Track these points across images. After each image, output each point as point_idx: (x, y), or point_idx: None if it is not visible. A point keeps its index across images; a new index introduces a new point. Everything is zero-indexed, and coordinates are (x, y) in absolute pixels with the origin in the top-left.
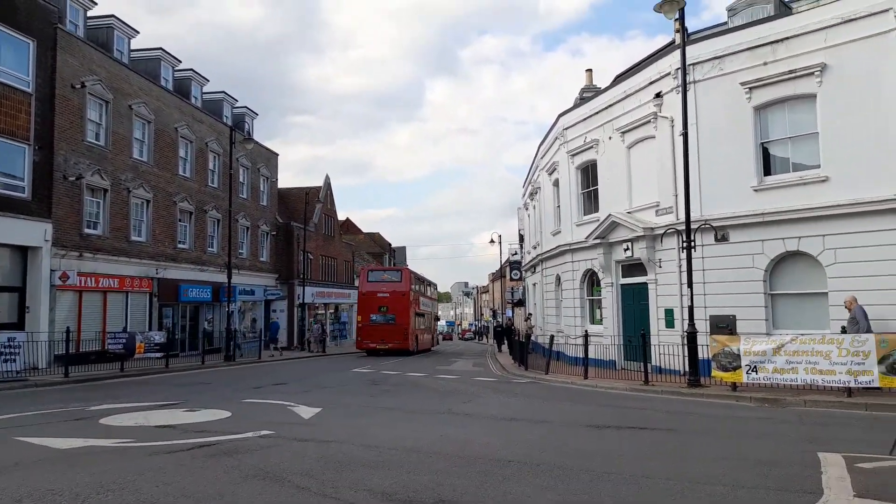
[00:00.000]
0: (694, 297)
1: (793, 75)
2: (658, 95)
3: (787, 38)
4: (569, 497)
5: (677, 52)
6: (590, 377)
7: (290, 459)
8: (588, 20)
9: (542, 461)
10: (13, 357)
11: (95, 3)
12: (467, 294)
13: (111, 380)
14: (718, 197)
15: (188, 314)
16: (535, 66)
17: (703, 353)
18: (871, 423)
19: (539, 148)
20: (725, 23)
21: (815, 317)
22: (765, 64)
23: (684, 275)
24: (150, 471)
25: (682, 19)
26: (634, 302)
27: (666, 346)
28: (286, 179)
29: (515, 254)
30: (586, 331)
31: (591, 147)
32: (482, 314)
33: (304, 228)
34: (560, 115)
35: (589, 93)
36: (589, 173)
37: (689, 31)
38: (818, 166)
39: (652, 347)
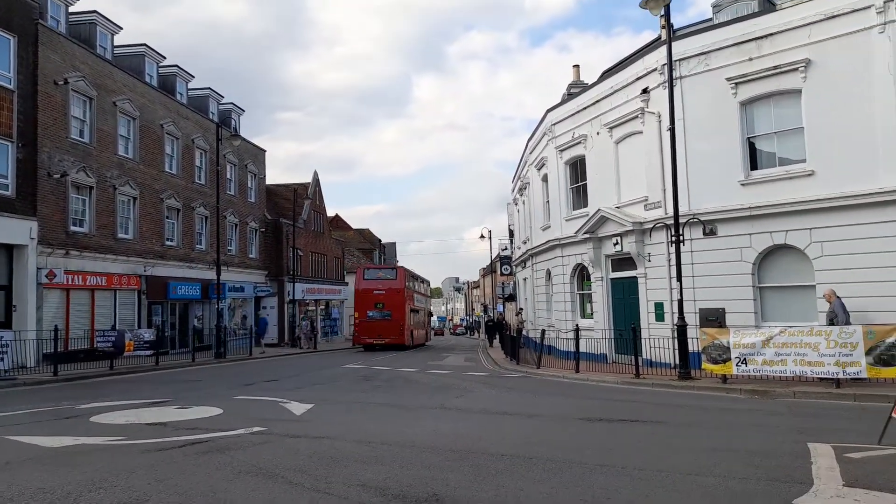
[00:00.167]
0: (683, 290)
1: (778, 71)
2: (645, 91)
3: (771, 34)
4: (561, 490)
5: (663, 48)
6: (581, 371)
7: (283, 455)
8: (574, 16)
9: (534, 455)
10: (1, 356)
11: None
12: (458, 289)
13: (101, 378)
14: (706, 191)
15: (177, 311)
16: (522, 61)
17: (693, 346)
18: (859, 413)
19: (527, 143)
20: (711, 19)
21: (803, 309)
22: (750, 59)
23: (673, 269)
24: (142, 468)
25: (667, 15)
26: (624, 296)
27: (656, 339)
28: (274, 176)
29: (505, 249)
30: (577, 325)
31: (580, 142)
32: (473, 309)
33: (294, 225)
34: (548, 111)
35: (576, 88)
36: (577, 168)
37: (675, 27)
38: (804, 161)
39: (642, 341)
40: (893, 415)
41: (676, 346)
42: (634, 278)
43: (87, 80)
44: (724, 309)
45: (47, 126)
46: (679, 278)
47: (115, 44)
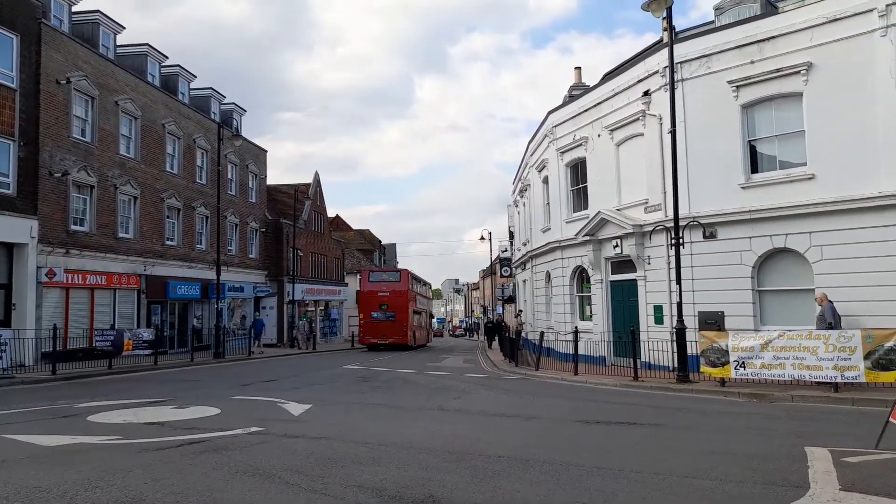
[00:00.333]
0: (682, 293)
1: (779, 74)
2: (646, 93)
3: (773, 37)
4: (558, 492)
5: (665, 51)
6: (580, 373)
7: (280, 456)
8: (576, 18)
9: (531, 457)
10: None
11: None
12: (458, 291)
13: (99, 377)
14: (706, 194)
15: (177, 311)
16: (524, 63)
17: (691, 349)
18: (857, 417)
19: (528, 145)
20: (712, 21)
21: (803, 313)
22: (752, 62)
23: (673, 271)
24: (139, 468)
25: (669, 18)
26: (624, 298)
27: (655, 342)
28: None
29: (506, 251)
30: (576, 327)
31: (581, 144)
32: (473, 311)
33: (294, 225)
34: (549, 113)
35: (578, 90)
36: (578, 171)
37: (677, 29)
38: (804, 164)
39: (641, 344)
40: (891, 419)
41: (675, 349)
42: (634, 281)
43: (89, 79)
44: (723, 312)
45: (49, 125)
46: (678, 281)
47: (118, 43)
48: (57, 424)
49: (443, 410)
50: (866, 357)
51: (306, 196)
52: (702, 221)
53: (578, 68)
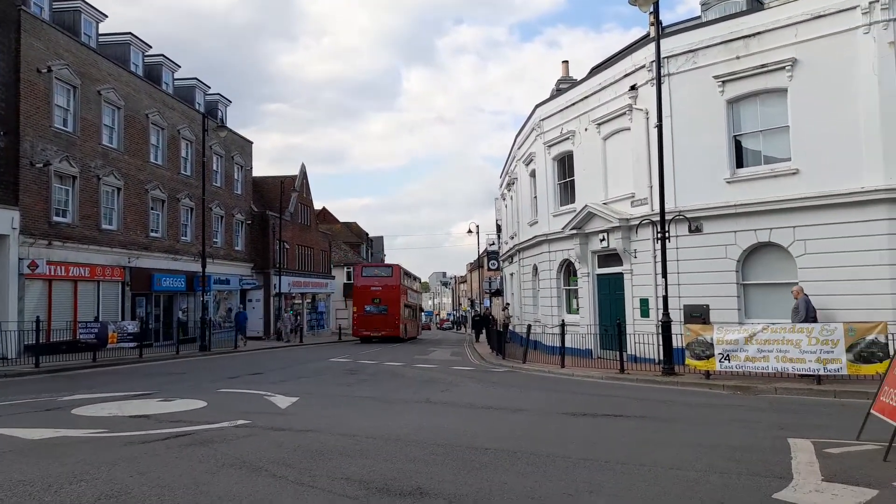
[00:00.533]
0: (668, 286)
1: (764, 69)
2: (633, 88)
3: (759, 33)
4: (545, 483)
5: (652, 45)
6: (566, 366)
7: (267, 449)
8: (564, 12)
9: (518, 449)
10: None
11: None
12: (445, 284)
13: (83, 370)
14: (692, 188)
15: (162, 304)
16: (512, 56)
17: (677, 342)
18: (839, 409)
19: (516, 139)
20: (699, 17)
21: (786, 306)
22: (737, 58)
23: (659, 265)
24: (124, 461)
25: (656, 12)
26: (610, 292)
27: (641, 335)
28: (260, 168)
29: (493, 244)
30: (563, 320)
31: (568, 138)
32: (460, 304)
33: (280, 217)
34: (537, 107)
35: (565, 84)
36: (565, 164)
37: (664, 24)
38: (789, 159)
39: (627, 336)
40: (872, 411)
41: (661, 342)
42: (620, 274)
43: (70, 68)
44: (708, 305)
45: (30, 114)
46: (664, 275)
47: (100, 32)
48: (41, 418)
49: (430, 403)
50: (848, 350)
51: (293, 188)
52: (688, 215)
53: (566, 62)
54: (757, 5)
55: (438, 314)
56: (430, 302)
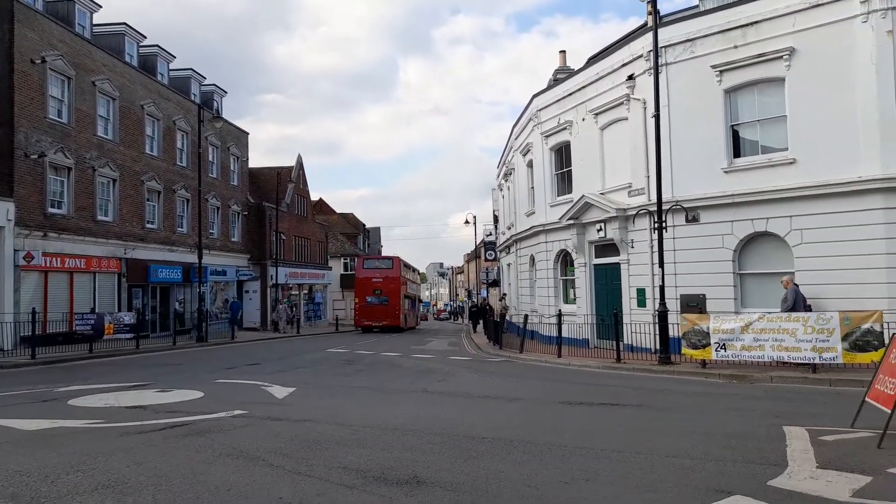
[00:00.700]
0: (665, 276)
1: (762, 59)
2: (630, 77)
3: (756, 22)
4: (542, 471)
5: (649, 35)
6: (563, 356)
7: (264, 439)
8: (561, 1)
9: (515, 438)
10: None
11: None
12: (442, 275)
13: (80, 361)
14: (689, 178)
15: (158, 295)
16: (509, 46)
17: (673, 332)
18: (834, 398)
19: (513, 129)
20: (697, 5)
21: (782, 296)
22: (735, 47)
23: (656, 255)
24: (121, 451)
25: (654, 1)
26: (607, 282)
27: (638, 324)
28: (256, 159)
29: (490, 234)
30: (560, 310)
31: (565, 128)
32: (457, 294)
33: (277, 209)
34: (534, 97)
35: (562, 74)
36: (562, 154)
37: (662, 13)
38: (786, 149)
39: (624, 326)
40: (867, 399)
41: (657, 332)
42: (617, 264)
43: (65, 58)
44: (704, 295)
45: (24, 105)
46: (661, 264)
47: (94, 22)
48: (37, 408)
49: (427, 393)
50: (844, 339)
51: (289, 179)
52: (685, 205)
53: (563, 52)
54: None
55: (436, 305)
56: (427, 293)
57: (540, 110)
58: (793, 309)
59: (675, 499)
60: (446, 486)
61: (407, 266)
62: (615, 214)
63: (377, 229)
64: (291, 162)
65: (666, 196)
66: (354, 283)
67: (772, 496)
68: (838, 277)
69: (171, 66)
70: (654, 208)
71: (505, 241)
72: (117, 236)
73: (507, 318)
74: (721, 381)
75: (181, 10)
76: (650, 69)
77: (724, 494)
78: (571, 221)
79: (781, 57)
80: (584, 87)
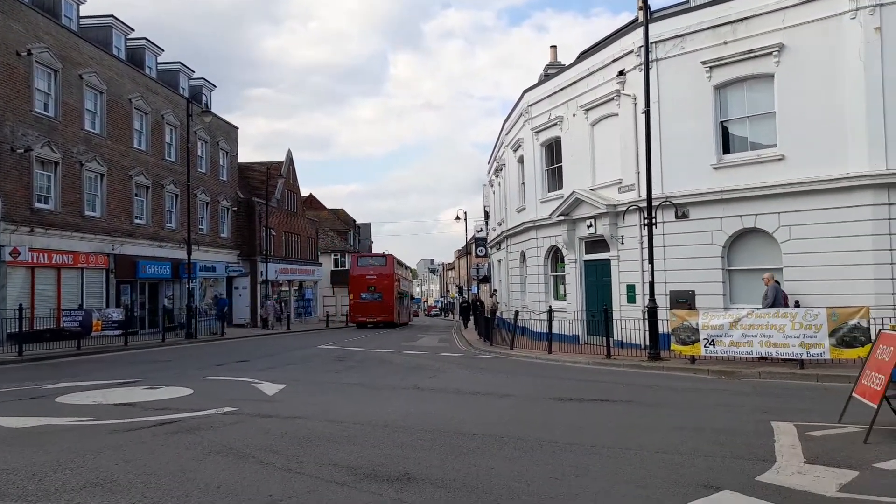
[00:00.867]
0: (655, 272)
1: (752, 55)
2: (621, 73)
3: (746, 18)
4: (532, 467)
5: (640, 30)
6: (553, 352)
7: (254, 436)
8: None
9: (506, 434)
10: None
11: None
12: (433, 271)
13: (68, 358)
14: (679, 174)
15: (147, 291)
16: (500, 41)
17: (663, 328)
18: (821, 393)
19: (504, 124)
20: (687, 1)
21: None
22: (725, 43)
23: (646, 251)
24: (110, 449)
25: None
26: (597, 278)
27: (627, 320)
28: (245, 153)
29: (481, 230)
30: (550, 306)
31: (556, 124)
32: (448, 291)
33: (267, 204)
34: (525, 92)
35: (553, 69)
36: (553, 150)
37: (652, 8)
38: (775, 145)
39: (614, 322)
40: (854, 394)
41: (647, 328)
42: (607, 260)
43: (51, 51)
44: (694, 291)
45: (10, 99)
46: (651, 261)
47: (81, 14)
48: (24, 406)
49: (418, 389)
50: (831, 334)
51: (279, 174)
52: (674, 201)
53: (554, 47)
54: None
55: (426, 301)
56: (418, 289)
57: (530, 106)
58: (773, 306)
59: (665, 494)
60: (437, 483)
61: (400, 263)
62: (605, 211)
63: (368, 225)
64: (281, 157)
65: (656, 192)
66: (349, 279)
67: (760, 491)
68: (826, 273)
69: (160, 59)
70: (644, 204)
71: (496, 238)
72: (105, 232)
73: (498, 314)
74: (710, 376)
75: (169, 2)
76: (640, 65)
77: (713, 490)
78: (562, 217)
79: (771, 53)
80: (574, 83)
